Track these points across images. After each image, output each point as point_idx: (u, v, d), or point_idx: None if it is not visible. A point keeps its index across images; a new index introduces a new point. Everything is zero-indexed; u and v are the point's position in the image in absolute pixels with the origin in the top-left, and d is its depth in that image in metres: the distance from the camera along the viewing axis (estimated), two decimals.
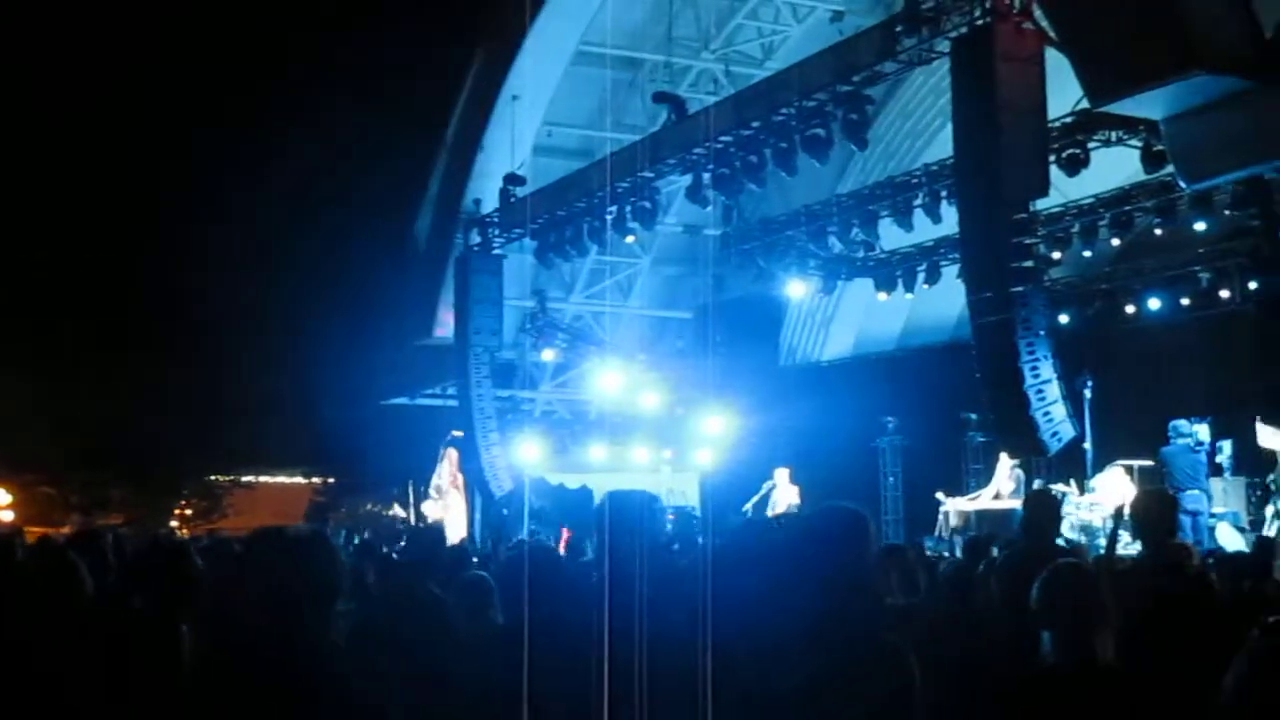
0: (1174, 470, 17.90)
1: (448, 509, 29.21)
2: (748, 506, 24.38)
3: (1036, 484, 19.63)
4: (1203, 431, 18.81)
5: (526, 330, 31.85)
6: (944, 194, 20.94)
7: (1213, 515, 18.09)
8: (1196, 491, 17.83)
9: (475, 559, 11.94)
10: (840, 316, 30.37)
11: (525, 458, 29.38)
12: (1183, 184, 17.33)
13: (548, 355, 32.00)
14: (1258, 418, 17.72)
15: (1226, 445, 19.27)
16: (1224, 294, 21.94)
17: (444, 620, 6.43)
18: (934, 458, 25.82)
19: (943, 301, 25.75)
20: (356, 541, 20.38)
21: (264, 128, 39.29)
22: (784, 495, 23.68)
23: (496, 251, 28.68)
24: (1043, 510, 7.76)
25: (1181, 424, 18.41)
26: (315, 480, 53.71)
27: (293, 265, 40.09)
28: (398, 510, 32.85)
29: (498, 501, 28.29)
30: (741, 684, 3.72)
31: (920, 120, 26.97)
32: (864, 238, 24.54)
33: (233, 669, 3.92)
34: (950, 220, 19.30)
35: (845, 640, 3.76)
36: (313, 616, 3.92)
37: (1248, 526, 19.03)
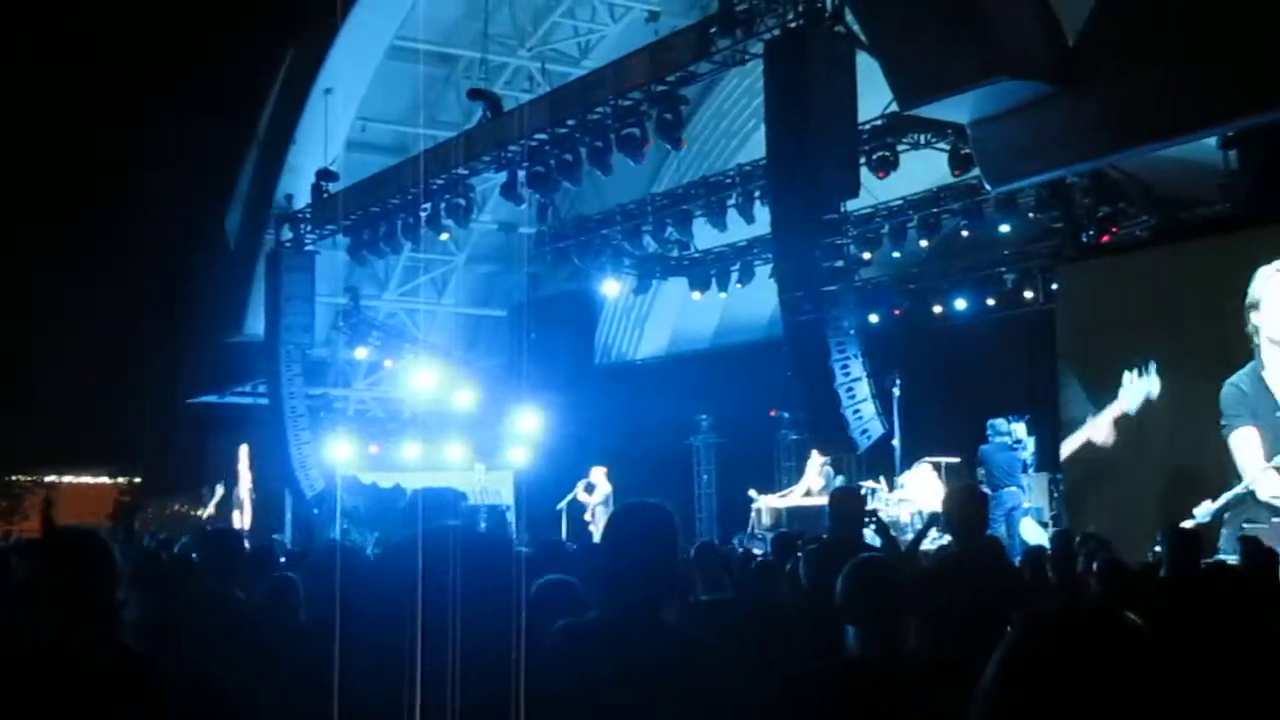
0: (991, 468, 18.28)
1: (243, 507, 28.92)
2: (562, 504, 24.40)
3: (837, 481, 19.92)
4: (1020, 430, 19.28)
5: (339, 328, 31.47)
6: (757, 194, 21.14)
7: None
8: (1014, 488, 18.25)
9: (284, 559, 11.76)
10: (655, 315, 30.50)
11: (337, 456, 29.05)
12: (988, 186, 17.69)
13: (361, 353, 31.64)
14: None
15: (1030, 442, 19.74)
16: (1028, 294, 22.46)
17: (244, 621, 6.30)
18: (747, 455, 26.04)
19: (756, 300, 25.99)
20: (151, 544, 19.97)
21: (70, 118, 38.22)
22: (598, 493, 23.76)
23: (308, 248, 28.28)
24: (847, 506, 7.86)
25: (999, 422, 18.83)
26: (121, 480, 52.41)
27: (100, 261, 38.99)
28: (210, 510, 32.27)
29: (309, 501, 27.91)
30: (550, 680, 3.68)
31: (734, 121, 27.20)
32: (678, 237, 24.66)
33: (29, 671, 3.79)
34: (763, 220, 19.48)
35: (649, 636, 3.75)
36: (92, 617, 3.81)
37: (1050, 521, 19.54)
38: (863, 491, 18.84)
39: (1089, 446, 18.11)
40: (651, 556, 3.86)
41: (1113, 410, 17.62)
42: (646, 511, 4.03)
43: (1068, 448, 18.55)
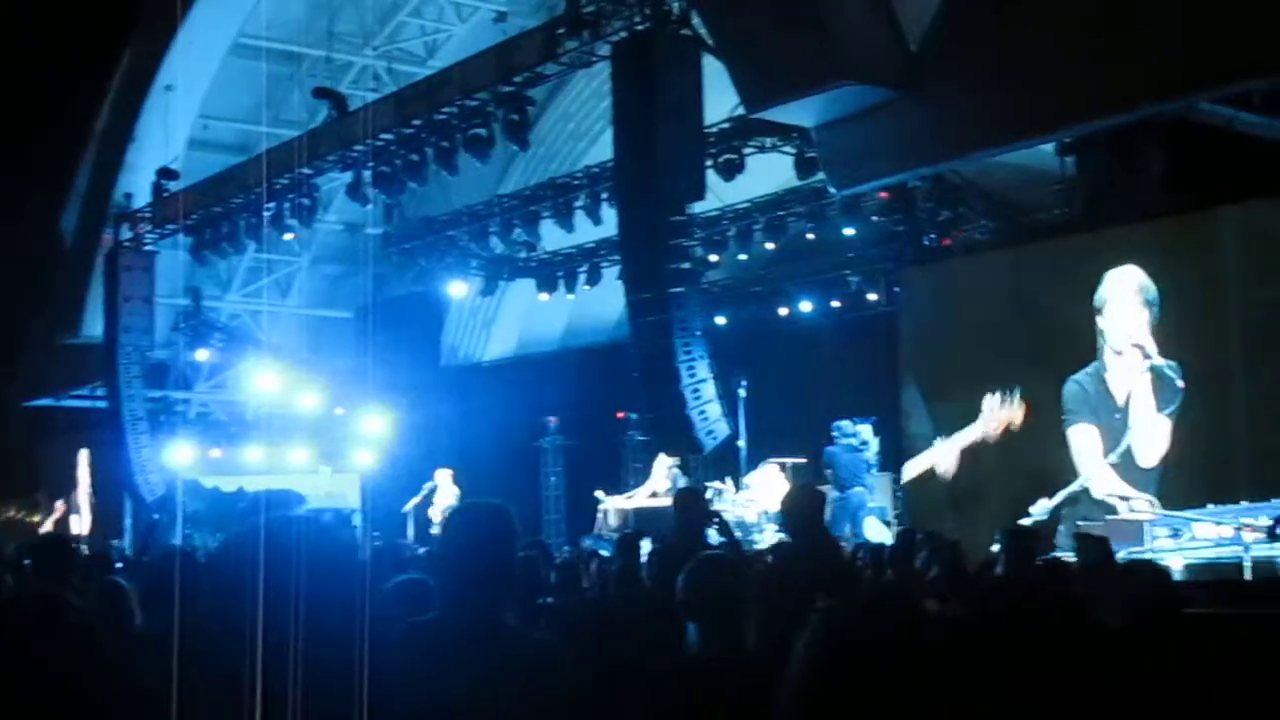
0: (837, 468, 18.48)
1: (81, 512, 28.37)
2: (408, 507, 24.21)
3: (683, 482, 20.00)
4: (867, 431, 19.51)
5: (180, 329, 30.89)
6: (604, 196, 21.17)
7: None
8: (859, 489, 18.46)
9: (120, 564, 11.53)
10: (502, 317, 30.40)
11: (179, 460, 28.55)
12: (833, 190, 17.88)
13: (202, 355, 31.10)
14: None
15: (875, 443, 20.01)
16: (871, 297, 22.79)
17: (78, 626, 6.15)
18: (595, 457, 26.08)
19: (603, 302, 26.02)
20: None
21: None
22: (445, 496, 23.60)
23: (148, 247, 27.73)
24: (690, 507, 7.90)
25: (844, 424, 19.05)
26: None
27: None
28: (49, 525, 31.53)
29: (149, 506, 27.38)
30: (387, 680, 3.64)
31: (582, 123, 27.20)
32: (525, 238, 24.63)
33: None
34: (611, 222, 19.53)
35: (486, 636, 3.72)
36: None
37: (893, 520, 19.81)
38: (708, 493, 19.04)
39: (933, 471, 18.32)
40: (488, 556, 3.84)
41: (968, 434, 17.78)
42: (483, 512, 4.01)
43: (910, 470, 18.77)
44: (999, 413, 17.34)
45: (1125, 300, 16.28)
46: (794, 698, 1.95)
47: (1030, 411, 17.12)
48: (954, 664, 1.93)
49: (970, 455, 17.77)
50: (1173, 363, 15.70)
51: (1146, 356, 15.89)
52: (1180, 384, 15.53)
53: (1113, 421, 16.26)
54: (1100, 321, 16.47)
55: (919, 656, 1.91)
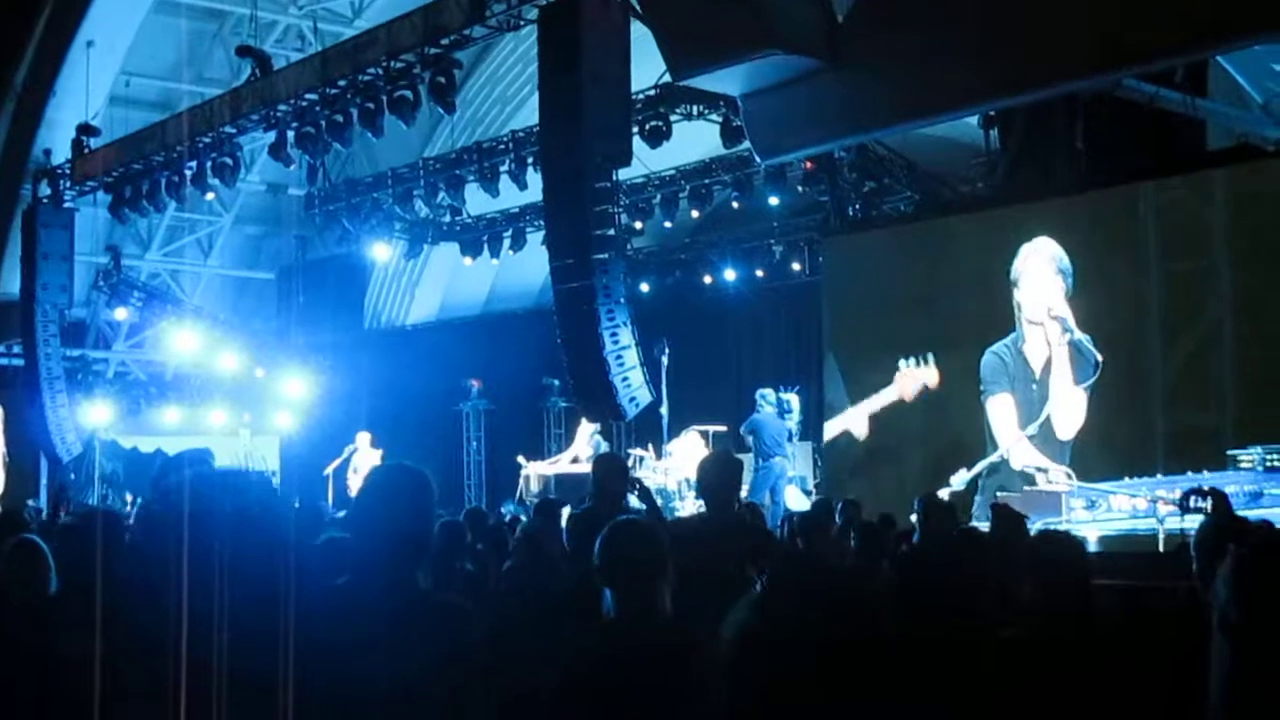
0: (762, 436, 18.53)
1: None
2: (328, 470, 24.14)
3: (605, 448, 20.04)
4: (794, 400, 19.62)
5: (99, 288, 30.51)
6: (530, 160, 21.10)
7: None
8: (781, 459, 18.55)
9: (33, 525, 11.39)
10: (426, 280, 30.29)
11: (96, 420, 28.28)
12: (758, 159, 17.93)
13: (121, 314, 30.73)
14: None
15: (795, 411, 20.13)
16: (795, 266, 22.92)
17: None
18: (517, 422, 26.11)
19: (528, 268, 26.00)
20: None
21: None
22: (365, 459, 23.54)
23: (67, 204, 27.37)
24: (609, 472, 7.91)
25: (767, 392, 19.13)
26: None
27: None
28: None
29: (65, 466, 27.11)
30: (305, 644, 3.63)
31: (509, 87, 27.10)
32: (450, 202, 24.51)
33: None
34: (536, 187, 19.46)
35: (396, 599, 3.73)
36: None
37: (813, 489, 19.96)
38: (630, 460, 19.09)
39: (848, 433, 18.43)
40: (403, 520, 3.84)
41: (883, 397, 17.90)
42: (400, 474, 4.01)
43: (829, 430, 18.88)
44: (913, 373, 17.46)
45: (1040, 271, 16.42)
46: (727, 672, 1.98)
47: (947, 381, 17.25)
48: (874, 642, 1.97)
49: (884, 419, 17.88)
50: (1089, 336, 15.86)
51: (1066, 330, 16.05)
52: (1098, 357, 15.70)
53: (1030, 393, 16.43)
54: (1016, 293, 16.62)
55: (848, 638, 1.94)
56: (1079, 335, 15.96)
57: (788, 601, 1.86)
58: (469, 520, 9.95)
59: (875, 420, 17.96)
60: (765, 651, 1.81)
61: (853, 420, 18.25)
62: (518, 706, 4.09)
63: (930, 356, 17.34)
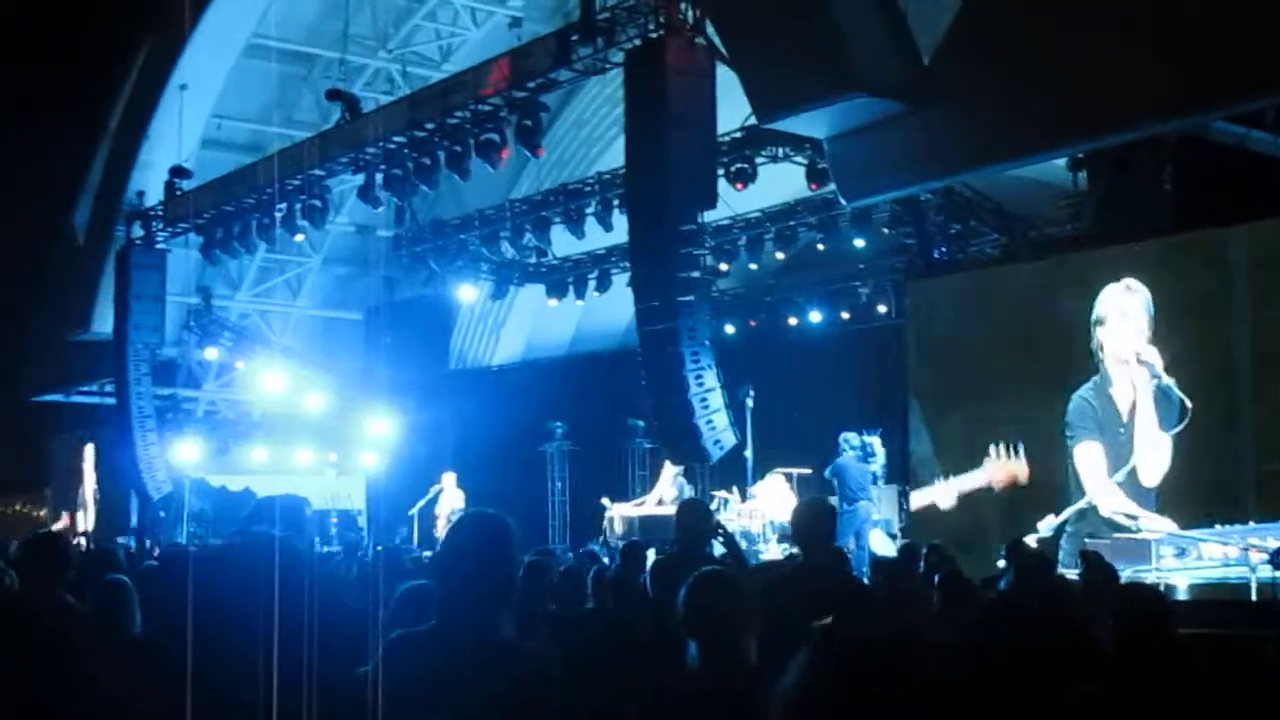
0: (846, 481, 18.43)
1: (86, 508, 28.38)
2: (414, 510, 24.23)
3: (689, 491, 19.98)
4: (876, 443, 19.49)
5: (190, 328, 30.92)
6: (616, 202, 21.17)
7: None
8: (866, 502, 18.44)
9: (124, 564, 11.51)
10: (511, 322, 30.42)
11: (185, 459, 28.59)
12: (843, 201, 17.88)
13: (211, 354, 31.14)
14: None
15: (881, 455, 19.98)
16: (881, 308, 22.82)
17: (74, 626, 6.14)
18: (601, 464, 26.07)
19: (613, 309, 26.04)
20: None
21: None
22: (450, 499, 23.62)
23: (160, 245, 27.77)
24: (693, 519, 7.87)
25: (850, 435, 19.02)
26: None
27: None
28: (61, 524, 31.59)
29: (155, 504, 27.42)
30: (379, 689, 3.64)
31: (595, 129, 27.24)
32: (536, 243, 24.62)
33: None
34: (622, 228, 19.51)
35: (478, 646, 3.72)
36: None
37: (898, 533, 19.80)
38: (714, 502, 19.04)
39: (934, 507, 18.25)
40: (486, 567, 3.84)
41: (972, 479, 17.64)
42: (482, 521, 4.01)
43: (916, 501, 18.69)
44: (1004, 465, 17.23)
45: (1126, 313, 16.24)
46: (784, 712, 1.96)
47: (1035, 426, 17.05)
48: (952, 692, 1.94)
49: (971, 499, 17.69)
50: (1174, 380, 15.64)
51: (1153, 374, 15.85)
52: (1186, 402, 15.47)
53: (1117, 438, 16.22)
54: (1100, 334, 16.43)
55: (918, 687, 1.92)
56: (1166, 379, 15.75)
57: (848, 649, 1.86)
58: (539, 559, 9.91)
59: (961, 499, 17.78)
60: (823, 698, 1.80)
61: (938, 496, 18.07)
62: None
63: (1021, 447, 17.10)
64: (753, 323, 24.96)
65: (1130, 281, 16.20)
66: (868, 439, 19.58)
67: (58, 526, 31.08)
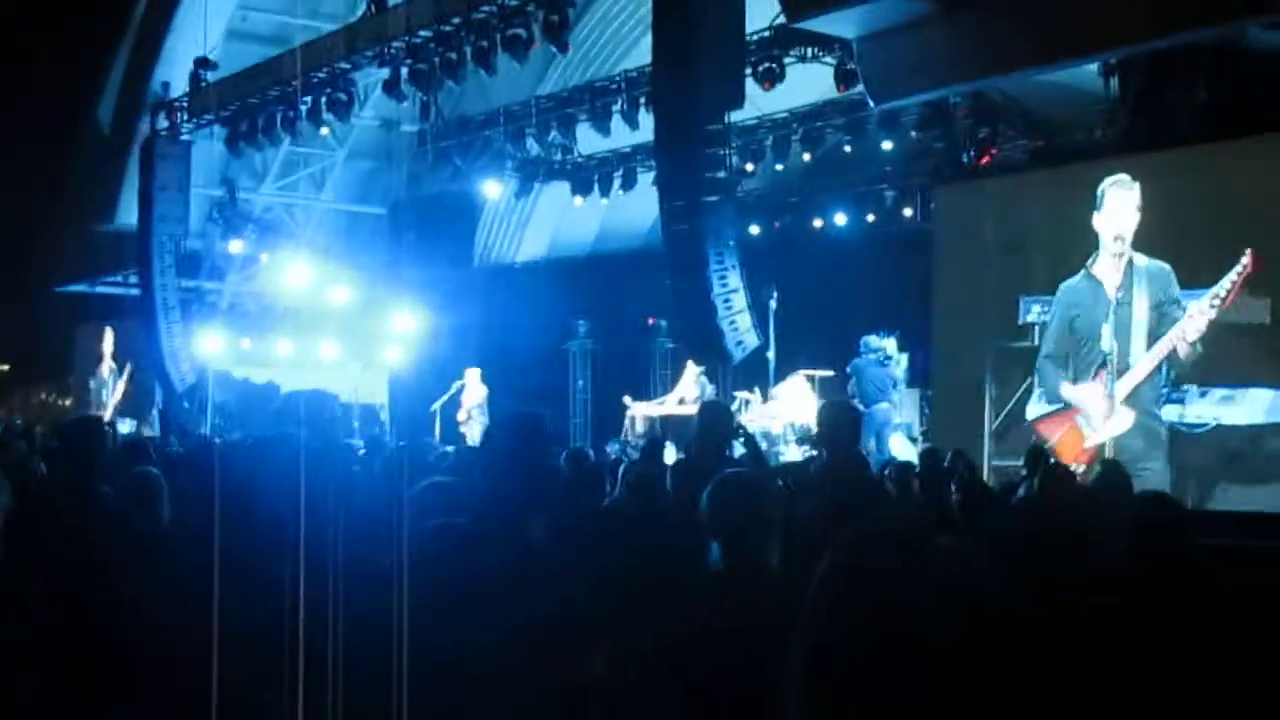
0: (864, 383, 18.43)
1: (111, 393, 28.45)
2: (436, 406, 24.33)
3: (711, 391, 20.00)
4: (891, 345, 19.46)
5: (214, 219, 30.91)
6: (642, 101, 21.07)
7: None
8: (885, 405, 18.44)
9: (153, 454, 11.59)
10: (535, 219, 30.35)
11: (209, 350, 28.69)
12: (871, 103, 17.76)
13: (236, 246, 31.11)
14: None
15: (902, 359, 19.96)
16: (907, 212, 22.71)
17: (106, 513, 6.20)
18: (623, 362, 26.14)
19: (637, 208, 25.95)
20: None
21: None
22: (473, 395, 23.70)
23: (184, 137, 27.76)
24: (714, 419, 7.88)
25: (871, 338, 18.97)
26: None
27: None
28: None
29: (179, 395, 27.58)
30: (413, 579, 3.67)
31: (622, 26, 26.99)
32: (562, 141, 24.55)
33: None
34: (648, 127, 19.42)
35: (508, 544, 3.76)
36: None
37: (919, 437, 19.85)
38: (735, 403, 19.07)
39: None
40: (519, 468, 3.86)
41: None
42: (520, 422, 4.04)
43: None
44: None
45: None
46: (807, 634, 1.97)
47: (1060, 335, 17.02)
48: (963, 602, 1.96)
49: None
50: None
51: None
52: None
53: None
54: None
55: (929, 594, 1.93)
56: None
57: (867, 565, 1.87)
58: (570, 461, 9.97)
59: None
60: (847, 602, 1.82)
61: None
62: (622, 654, 4.11)
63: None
64: (777, 224, 24.87)
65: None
66: (885, 341, 19.55)
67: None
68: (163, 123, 27.69)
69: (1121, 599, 4.43)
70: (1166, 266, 15.78)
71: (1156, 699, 4.12)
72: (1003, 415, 17.49)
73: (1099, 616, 4.27)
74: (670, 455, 13.17)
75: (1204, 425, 15.36)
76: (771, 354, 19.40)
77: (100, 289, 33.04)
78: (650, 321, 25.62)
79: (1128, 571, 4.77)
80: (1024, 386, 17.40)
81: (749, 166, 23.27)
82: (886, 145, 21.50)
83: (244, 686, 3.32)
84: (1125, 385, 16.04)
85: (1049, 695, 1.95)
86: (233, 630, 3.85)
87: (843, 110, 21.32)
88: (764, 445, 17.57)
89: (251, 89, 25.26)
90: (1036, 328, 17.33)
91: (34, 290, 35.21)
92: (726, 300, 15.90)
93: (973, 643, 1.90)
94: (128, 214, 28.78)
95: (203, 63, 26.65)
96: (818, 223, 24.27)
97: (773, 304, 19.35)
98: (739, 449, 8.00)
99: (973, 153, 19.75)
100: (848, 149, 22.29)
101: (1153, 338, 15.87)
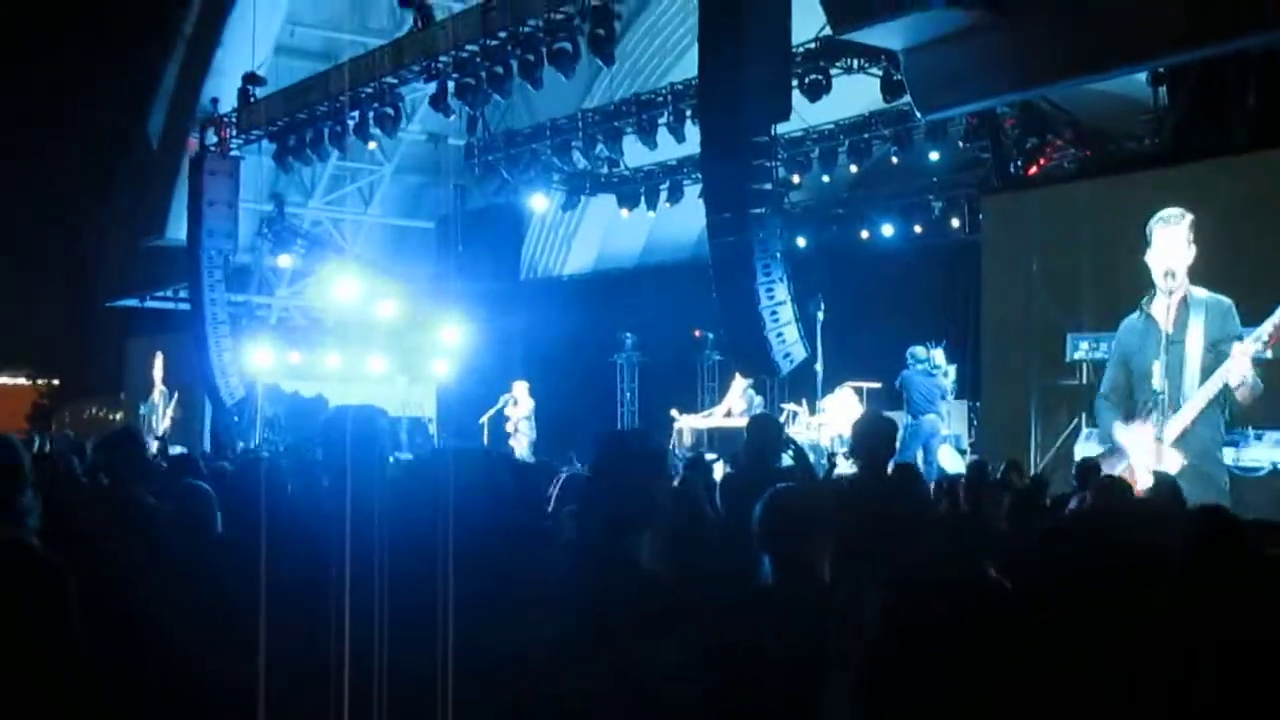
0: (912, 395, 18.34)
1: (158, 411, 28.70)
2: (484, 418, 24.37)
3: (758, 404, 19.95)
4: (939, 356, 19.37)
5: (263, 234, 31.13)
6: (688, 113, 21.07)
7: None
8: (933, 416, 18.35)
9: (204, 467, 11.64)
10: (582, 232, 30.41)
11: (258, 364, 28.86)
12: (918, 114, 17.68)
13: (284, 260, 31.34)
14: None
15: (951, 370, 19.88)
16: (954, 223, 22.63)
17: (154, 527, 6.22)
18: (670, 375, 26.11)
19: (684, 220, 25.95)
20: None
21: None
22: (521, 408, 23.74)
23: (233, 152, 27.94)
24: (763, 433, 7.86)
25: (919, 349, 18.88)
26: (40, 383, 51.68)
27: (19, 160, 38.19)
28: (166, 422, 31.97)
29: (228, 409, 27.74)
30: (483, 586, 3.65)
31: (668, 39, 27.00)
32: (608, 154, 24.57)
33: None
34: (694, 140, 19.41)
35: (610, 563, 3.73)
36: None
37: (968, 449, 19.74)
38: (783, 415, 19.02)
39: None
40: (620, 488, 3.80)
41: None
42: (625, 439, 4.02)
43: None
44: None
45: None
46: (863, 668, 1.97)
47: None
48: (1013, 633, 1.94)
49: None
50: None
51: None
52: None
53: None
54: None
55: (979, 632, 1.92)
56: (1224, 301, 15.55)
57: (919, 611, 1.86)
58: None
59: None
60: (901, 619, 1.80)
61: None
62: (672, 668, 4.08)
63: None
64: (824, 235, 24.83)
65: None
66: (933, 352, 19.47)
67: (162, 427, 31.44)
68: (212, 138, 27.88)
69: (1180, 602, 4.38)
70: (1226, 301, 15.46)
71: (1212, 702, 4.07)
72: (1050, 454, 17.28)
73: (1156, 620, 4.22)
74: (718, 469, 13.14)
75: (1260, 469, 15.12)
76: (819, 366, 19.36)
77: (150, 304, 33.33)
78: (697, 334, 25.57)
79: (1185, 577, 4.72)
80: (1071, 426, 17.23)
81: (795, 178, 23.24)
82: (934, 156, 21.46)
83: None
84: (1174, 427, 15.79)
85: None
86: (280, 648, 3.85)
87: (889, 121, 21.29)
88: (812, 458, 17.56)
89: (299, 104, 25.39)
90: (1085, 365, 17.17)
91: (84, 305, 35.53)
92: (774, 312, 15.85)
93: (1018, 686, 1.88)
94: (177, 229, 28.99)
95: (251, 78, 26.83)
96: (864, 234, 24.23)
97: (820, 316, 19.30)
98: (787, 460, 7.98)
99: (1021, 163, 19.63)
100: (895, 160, 22.25)
101: (1206, 376, 15.62)
